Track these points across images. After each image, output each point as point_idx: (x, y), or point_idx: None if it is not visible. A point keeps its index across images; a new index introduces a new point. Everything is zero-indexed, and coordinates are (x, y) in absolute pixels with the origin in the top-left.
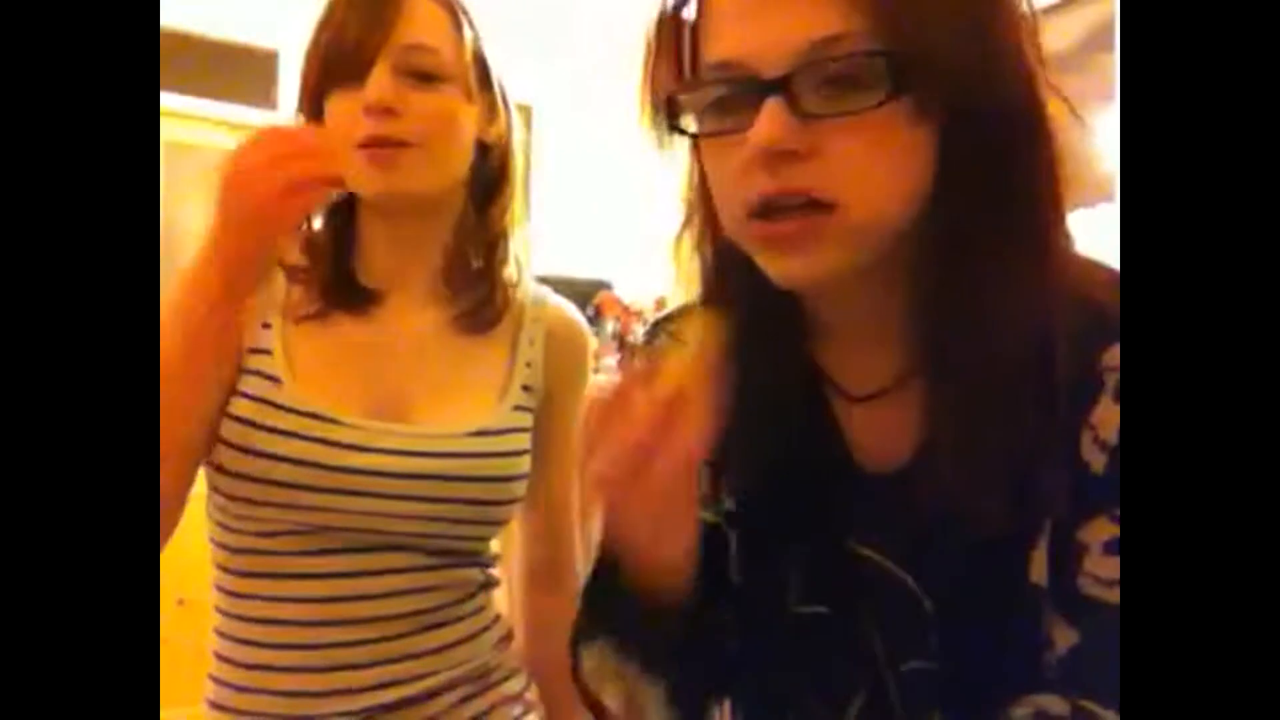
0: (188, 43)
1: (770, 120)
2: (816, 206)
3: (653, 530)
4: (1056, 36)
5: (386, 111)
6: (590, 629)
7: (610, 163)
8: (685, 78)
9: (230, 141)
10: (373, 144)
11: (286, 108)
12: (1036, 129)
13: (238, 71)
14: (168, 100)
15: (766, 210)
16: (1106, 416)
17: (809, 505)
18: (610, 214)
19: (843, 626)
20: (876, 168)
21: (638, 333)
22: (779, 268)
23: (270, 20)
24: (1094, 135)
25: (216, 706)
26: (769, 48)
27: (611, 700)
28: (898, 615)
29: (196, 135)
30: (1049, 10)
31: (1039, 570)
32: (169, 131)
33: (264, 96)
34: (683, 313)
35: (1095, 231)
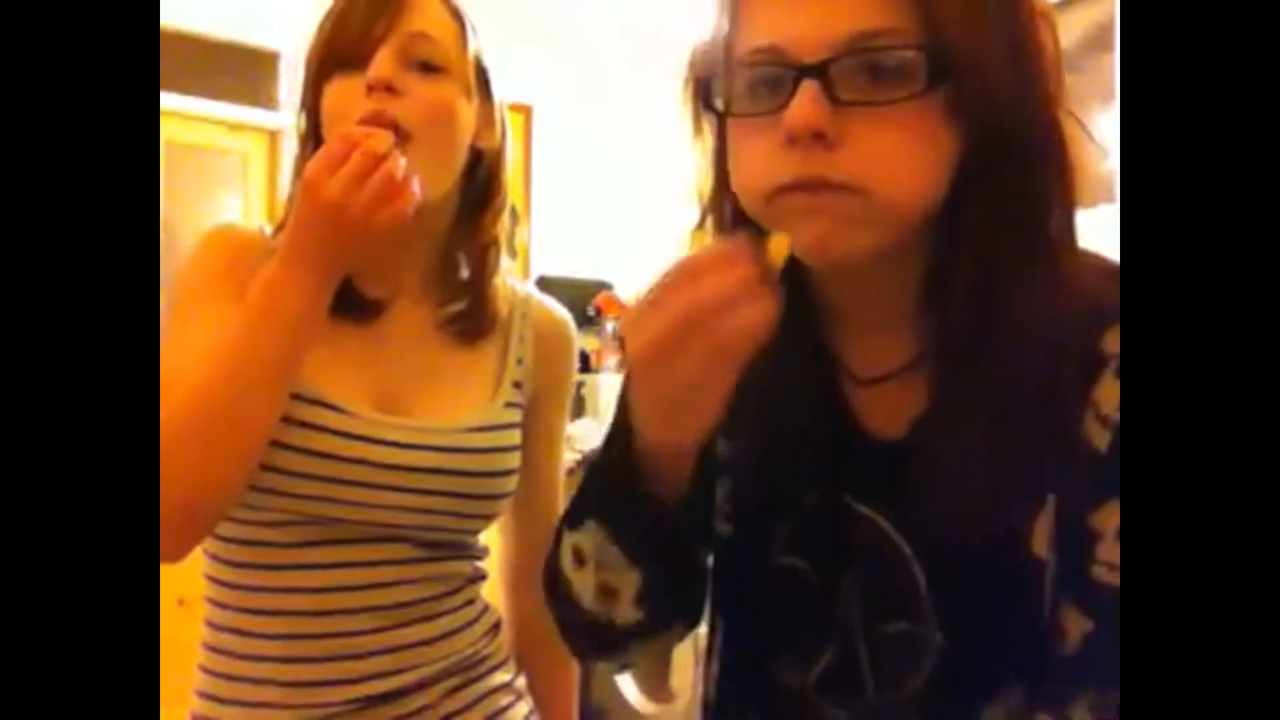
0: (188, 43)
1: (805, 102)
2: (846, 189)
3: (680, 402)
4: None
5: (388, 89)
6: (582, 511)
7: (610, 163)
8: (722, 63)
9: (230, 142)
10: (372, 123)
11: (287, 108)
12: (1055, 131)
13: (238, 71)
14: (168, 100)
15: (795, 186)
16: (1108, 393)
17: (806, 463)
18: (610, 214)
19: (819, 582)
20: (904, 156)
21: None
22: (807, 240)
23: (270, 20)
24: (1094, 136)
25: (207, 697)
26: (809, 35)
27: (583, 589)
28: (887, 576)
29: (196, 135)
30: None
31: (1041, 543)
32: (169, 131)
33: (264, 96)
34: None
35: (1095, 231)
